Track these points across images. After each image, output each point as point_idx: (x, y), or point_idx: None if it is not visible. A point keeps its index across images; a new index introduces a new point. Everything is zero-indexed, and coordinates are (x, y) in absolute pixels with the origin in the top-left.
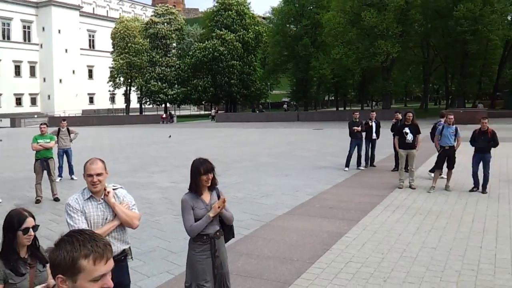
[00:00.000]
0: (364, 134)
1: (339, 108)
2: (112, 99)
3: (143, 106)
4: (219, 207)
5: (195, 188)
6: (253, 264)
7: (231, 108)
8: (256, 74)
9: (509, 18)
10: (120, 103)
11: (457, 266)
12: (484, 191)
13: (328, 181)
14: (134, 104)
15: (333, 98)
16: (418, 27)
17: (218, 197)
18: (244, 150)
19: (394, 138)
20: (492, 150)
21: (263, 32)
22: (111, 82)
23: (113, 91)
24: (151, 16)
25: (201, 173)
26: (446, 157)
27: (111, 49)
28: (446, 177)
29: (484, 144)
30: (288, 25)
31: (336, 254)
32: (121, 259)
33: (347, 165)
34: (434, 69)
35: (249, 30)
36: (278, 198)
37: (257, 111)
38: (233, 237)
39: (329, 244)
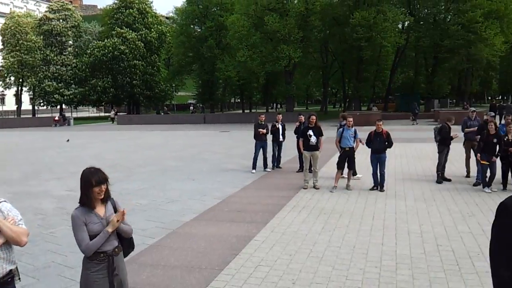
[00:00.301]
0: (271, 136)
1: (245, 111)
2: (2, 100)
3: (36, 108)
4: (117, 221)
5: (87, 202)
6: (158, 276)
7: (134, 110)
8: (160, 75)
9: (399, 26)
10: (10, 105)
11: (361, 264)
12: (381, 189)
13: (236, 184)
14: (26, 105)
15: (239, 100)
16: (318, 33)
17: (115, 209)
18: (148, 154)
19: (298, 140)
20: (388, 150)
21: (166, 32)
22: (0, 82)
23: (2, 91)
24: (45, 12)
25: (93, 185)
26: (347, 157)
27: (1, 47)
28: (347, 176)
29: (379, 145)
30: (192, 26)
31: (245, 259)
32: (8, 281)
33: (254, 167)
34: (333, 73)
35: (152, 30)
36: (184, 203)
37: (162, 113)
38: (133, 250)
39: (238, 248)
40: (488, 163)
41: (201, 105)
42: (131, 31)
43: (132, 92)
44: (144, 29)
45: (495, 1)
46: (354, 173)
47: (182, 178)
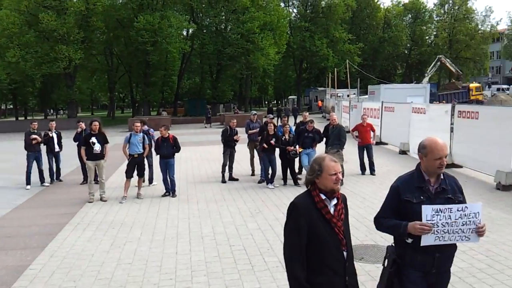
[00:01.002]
0: (45, 147)
1: (19, 118)
2: None
3: None
4: None
5: None
6: None
7: None
8: None
9: (184, 33)
10: None
11: (155, 279)
12: (173, 195)
13: (5, 204)
14: None
15: (11, 106)
16: (101, 35)
17: None
18: None
19: (79, 149)
20: (176, 154)
21: None
22: None
23: None
24: None
25: None
26: (136, 165)
27: None
28: (137, 185)
29: (167, 150)
30: None
31: None
32: None
33: (28, 182)
34: (119, 77)
35: None
36: None
37: None
38: None
39: (9, 283)
40: (267, 146)
41: None
42: None
43: None
44: None
45: (268, 14)
46: (151, 181)
47: None
